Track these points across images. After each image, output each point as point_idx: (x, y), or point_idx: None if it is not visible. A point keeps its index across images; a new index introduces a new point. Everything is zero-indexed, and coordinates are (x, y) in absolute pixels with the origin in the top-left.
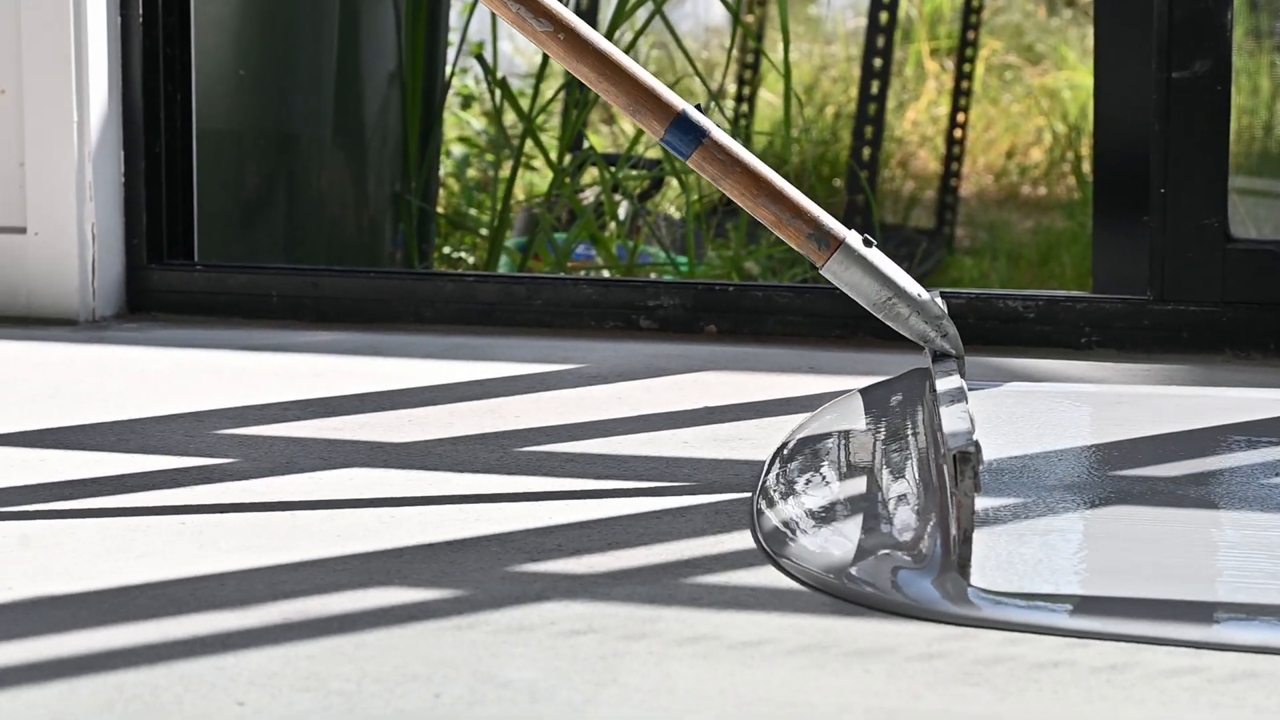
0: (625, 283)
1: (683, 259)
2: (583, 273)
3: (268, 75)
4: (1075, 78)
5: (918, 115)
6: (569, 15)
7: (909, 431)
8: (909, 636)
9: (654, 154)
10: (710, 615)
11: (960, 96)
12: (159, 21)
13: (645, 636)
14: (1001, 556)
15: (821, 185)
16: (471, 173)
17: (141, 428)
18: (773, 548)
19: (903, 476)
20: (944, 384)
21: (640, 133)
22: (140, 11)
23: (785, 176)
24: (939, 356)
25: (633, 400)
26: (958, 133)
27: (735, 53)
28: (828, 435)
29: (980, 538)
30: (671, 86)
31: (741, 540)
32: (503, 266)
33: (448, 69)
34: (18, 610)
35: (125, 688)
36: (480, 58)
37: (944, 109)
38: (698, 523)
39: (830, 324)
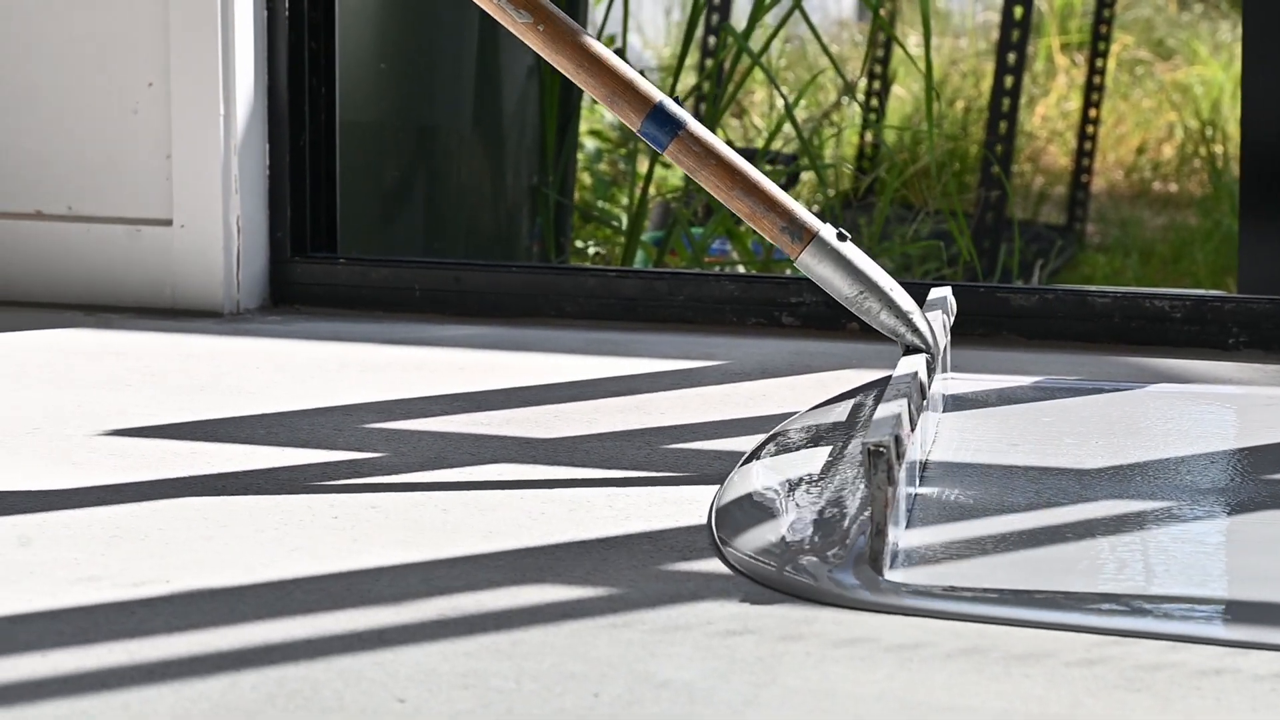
0: (768, 279)
1: None
2: (718, 268)
3: (408, 68)
4: (1207, 73)
5: (1047, 110)
6: (549, 7)
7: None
8: (1067, 642)
9: (791, 148)
10: (865, 617)
11: (1092, 92)
12: (304, 15)
13: (802, 638)
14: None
15: (953, 180)
16: (602, 166)
17: (290, 421)
18: (721, 535)
19: (850, 471)
20: (897, 379)
21: (778, 127)
22: (286, 5)
23: (923, 173)
24: (911, 351)
25: (777, 397)
26: (1089, 128)
27: (866, 46)
28: (802, 430)
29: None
30: (809, 83)
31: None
32: (637, 261)
33: None
34: (177, 603)
35: (286, 682)
36: (621, 53)
37: (1074, 104)
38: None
39: (975, 322)
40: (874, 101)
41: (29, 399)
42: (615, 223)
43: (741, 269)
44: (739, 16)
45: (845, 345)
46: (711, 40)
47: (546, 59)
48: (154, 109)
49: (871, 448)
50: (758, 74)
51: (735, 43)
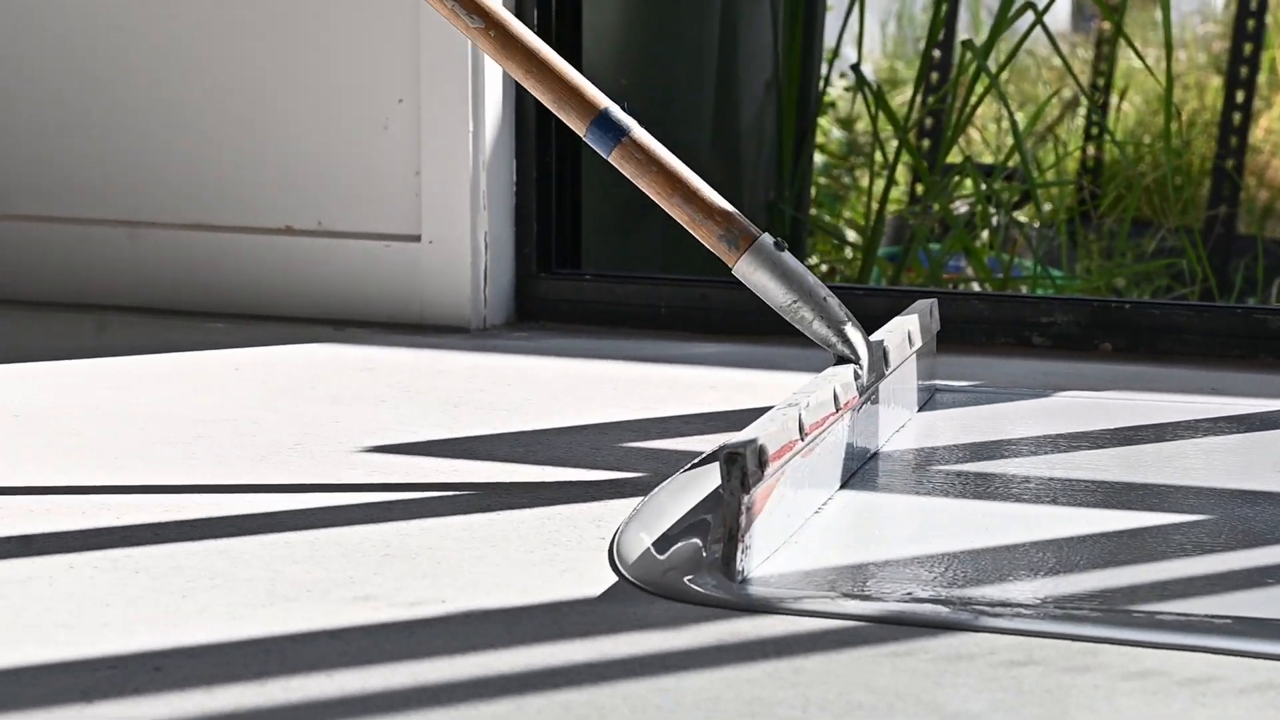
0: (1017, 298)
1: (1058, 272)
2: (952, 285)
3: (649, 83)
4: None
5: (1270, 123)
6: (501, 13)
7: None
8: None
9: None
10: (1149, 651)
11: None
12: (552, 30)
13: (1089, 669)
14: None
15: (1175, 194)
16: (822, 180)
17: (547, 439)
18: (619, 550)
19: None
20: (799, 390)
21: (1011, 151)
22: (535, 20)
23: (1156, 188)
24: (841, 361)
25: (1040, 420)
26: None
27: (1089, 58)
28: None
29: None
30: (1046, 101)
31: (1184, 567)
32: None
33: (821, 77)
34: (454, 624)
35: (571, 706)
36: (856, 68)
37: None
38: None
39: (1231, 343)
40: (1095, 116)
41: (287, 414)
42: (849, 239)
43: (976, 286)
44: (962, 29)
45: (1097, 366)
46: (935, 54)
47: (497, 63)
48: (404, 125)
49: (727, 454)
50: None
51: (974, 59)
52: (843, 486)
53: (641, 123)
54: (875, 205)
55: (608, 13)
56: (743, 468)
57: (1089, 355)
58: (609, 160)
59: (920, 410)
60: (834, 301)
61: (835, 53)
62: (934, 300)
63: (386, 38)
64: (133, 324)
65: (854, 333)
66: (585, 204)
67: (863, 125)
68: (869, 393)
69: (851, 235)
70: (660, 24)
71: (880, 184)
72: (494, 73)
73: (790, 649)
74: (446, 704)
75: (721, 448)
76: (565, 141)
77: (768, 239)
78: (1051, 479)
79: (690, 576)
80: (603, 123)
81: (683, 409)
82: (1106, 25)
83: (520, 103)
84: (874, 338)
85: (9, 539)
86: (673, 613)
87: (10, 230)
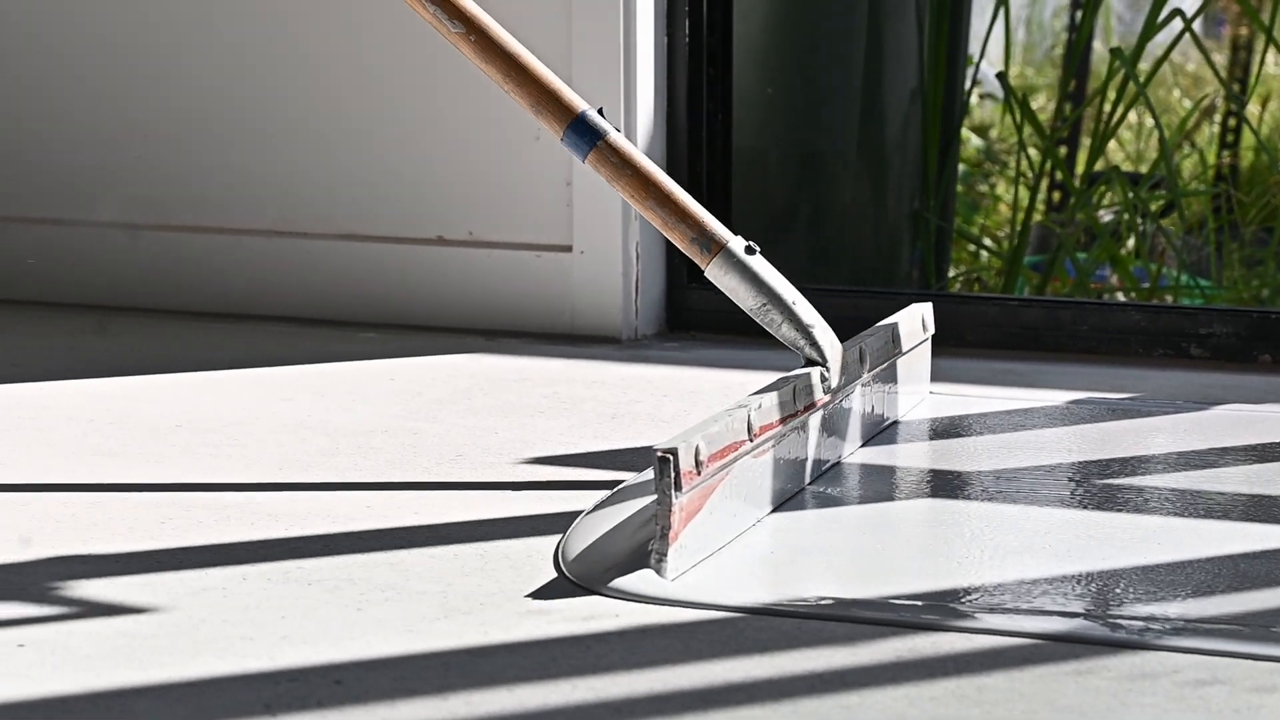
0: (1176, 309)
1: (1206, 282)
2: (1099, 295)
3: (794, 93)
4: None
5: None
6: (482, 18)
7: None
8: None
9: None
10: None
11: None
12: (703, 42)
13: (1276, 689)
14: None
15: None
16: (958, 188)
17: None
18: (564, 552)
19: None
20: (760, 389)
21: (1159, 160)
22: (686, 32)
23: None
24: (810, 363)
25: (1199, 433)
26: None
27: (1223, 63)
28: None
29: None
30: (1192, 110)
31: None
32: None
33: (965, 86)
34: (630, 637)
35: None
36: (1002, 76)
37: None
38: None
39: None
40: (1231, 122)
41: (446, 425)
42: (993, 247)
43: (1121, 296)
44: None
45: (1257, 379)
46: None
47: (478, 67)
48: (555, 136)
49: (660, 454)
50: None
51: (1122, 66)
52: (937, 496)
53: (786, 136)
54: (1020, 214)
55: (754, 24)
56: (675, 468)
57: (1248, 367)
58: (585, 164)
59: (907, 414)
60: (803, 305)
61: (978, 60)
62: (927, 305)
63: (538, 49)
64: (286, 334)
65: (823, 336)
66: (732, 214)
67: (996, 133)
68: (841, 395)
69: (987, 243)
70: (806, 33)
71: (1021, 192)
72: (646, 82)
73: (971, 667)
74: (628, 718)
75: (654, 448)
76: (716, 152)
77: (738, 243)
78: (1194, 491)
79: (622, 575)
80: (579, 126)
81: None
82: (1242, 30)
83: (672, 113)
84: (851, 341)
85: (182, 550)
86: (848, 630)
87: (164, 241)
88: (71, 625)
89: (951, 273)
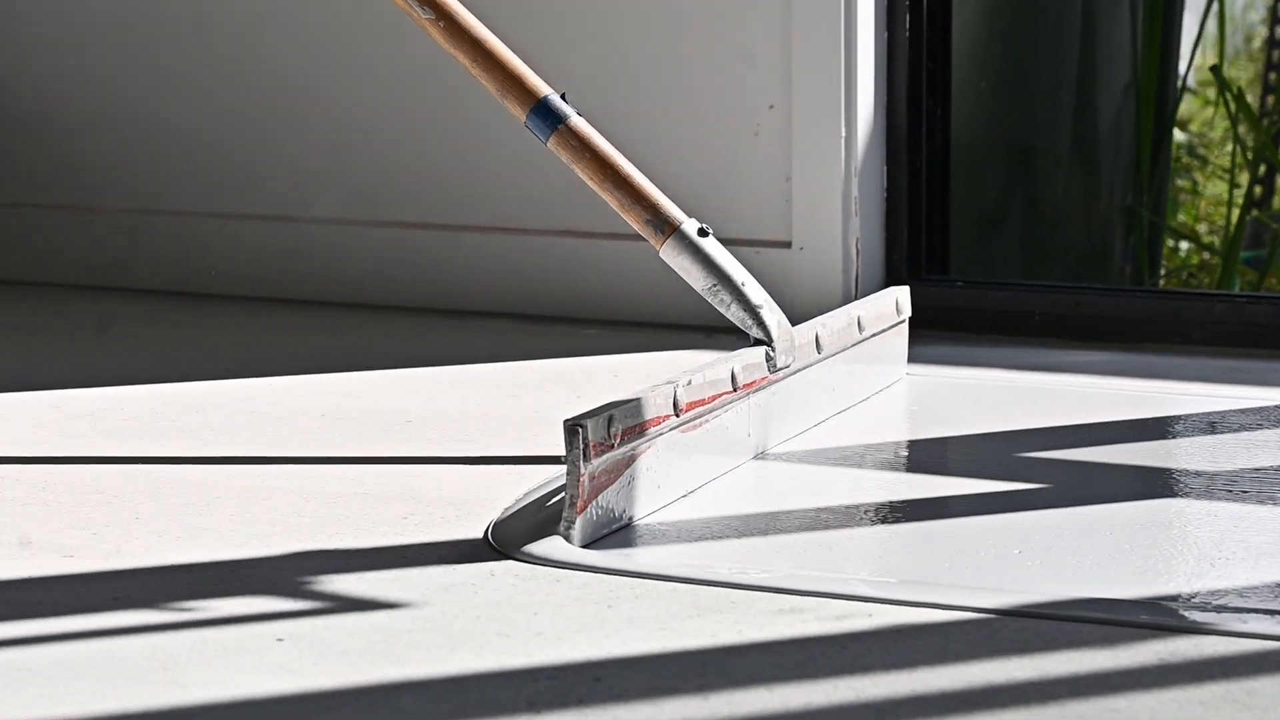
0: None
1: None
2: None
3: (1009, 87)
4: None
5: None
6: (450, 4)
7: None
8: None
9: None
10: None
11: None
12: (923, 36)
13: None
14: None
15: None
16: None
17: (961, 446)
18: (497, 520)
19: None
20: (696, 367)
21: None
22: (906, 26)
23: None
24: (758, 342)
25: None
26: None
27: None
28: None
29: None
30: None
31: None
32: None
33: (1179, 80)
34: (884, 637)
35: None
36: (1216, 69)
37: None
38: None
39: None
40: None
41: None
42: (1209, 244)
43: None
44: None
45: None
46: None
47: (447, 52)
48: (775, 131)
49: (570, 425)
50: None
51: None
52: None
53: (1000, 130)
54: (1235, 210)
55: (970, 17)
56: (585, 439)
57: None
58: (547, 146)
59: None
60: (753, 286)
61: (1193, 54)
62: (904, 288)
63: (758, 44)
64: (508, 330)
65: (770, 317)
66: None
67: (1195, 126)
68: (789, 374)
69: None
70: (1019, 25)
71: (1230, 187)
72: (866, 77)
73: (1238, 670)
74: (891, 719)
75: (565, 420)
76: (935, 147)
77: (691, 225)
78: None
79: (532, 542)
80: (541, 110)
81: (1068, 419)
82: None
83: (891, 108)
84: (807, 324)
85: (427, 545)
86: (1106, 632)
87: (382, 237)
88: (326, 620)
89: (1166, 270)
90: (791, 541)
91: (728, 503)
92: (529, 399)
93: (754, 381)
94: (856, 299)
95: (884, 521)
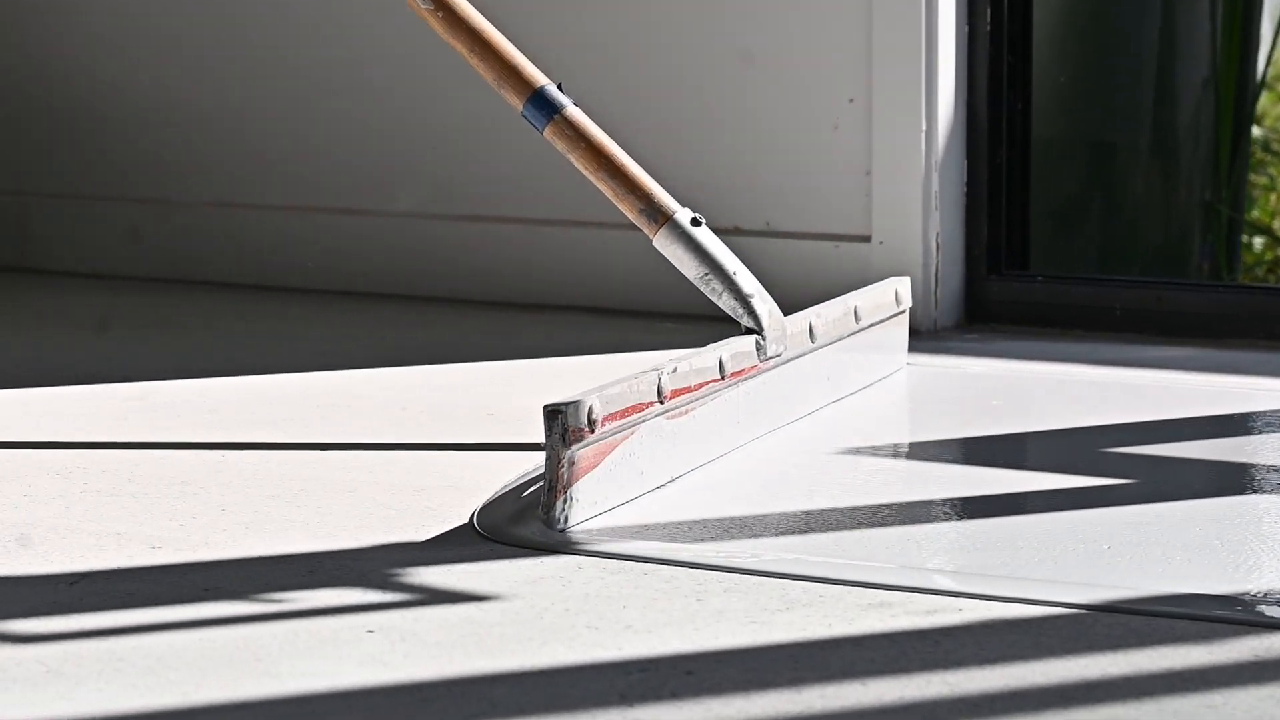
0: None
1: None
2: None
3: (1087, 82)
4: None
5: None
6: None
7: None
8: None
9: None
10: None
11: None
12: (1004, 29)
13: None
14: None
15: None
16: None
17: (1038, 441)
18: (484, 511)
19: None
20: (682, 354)
21: None
22: (988, 20)
23: None
24: (749, 331)
25: None
26: None
27: None
28: None
29: None
30: None
31: None
32: None
33: (1258, 75)
34: (976, 631)
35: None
36: None
37: None
38: None
39: None
40: None
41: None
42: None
43: None
44: None
45: None
46: None
47: (445, 41)
48: (854, 125)
49: (548, 410)
50: None
51: None
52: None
53: (1078, 125)
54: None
55: (1048, 10)
56: (564, 424)
57: None
58: (543, 136)
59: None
60: (744, 275)
61: (1271, 49)
62: (904, 279)
63: (838, 38)
64: (585, 323)
65: (761, 306)
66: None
67: (1268, 121)
68: (780, 362)
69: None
70: (1100, 21)
71: None
72: (947, 71)
73: None
74: (988, 715)
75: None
76: (1015, 142)
77: (684, 215)
78: None
79: (516, 524)
80: (538, 100)
81: (1150, 414)
82: None
83: (972, 102)
84: (801, 313)
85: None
86: (1200, 629)
87: (460, 232)
88: (416, 612)
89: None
90: (875, 536)
91: (793, 494)
92: None
93: (744, 370)
94: (936, 294)
95: (967, 516)
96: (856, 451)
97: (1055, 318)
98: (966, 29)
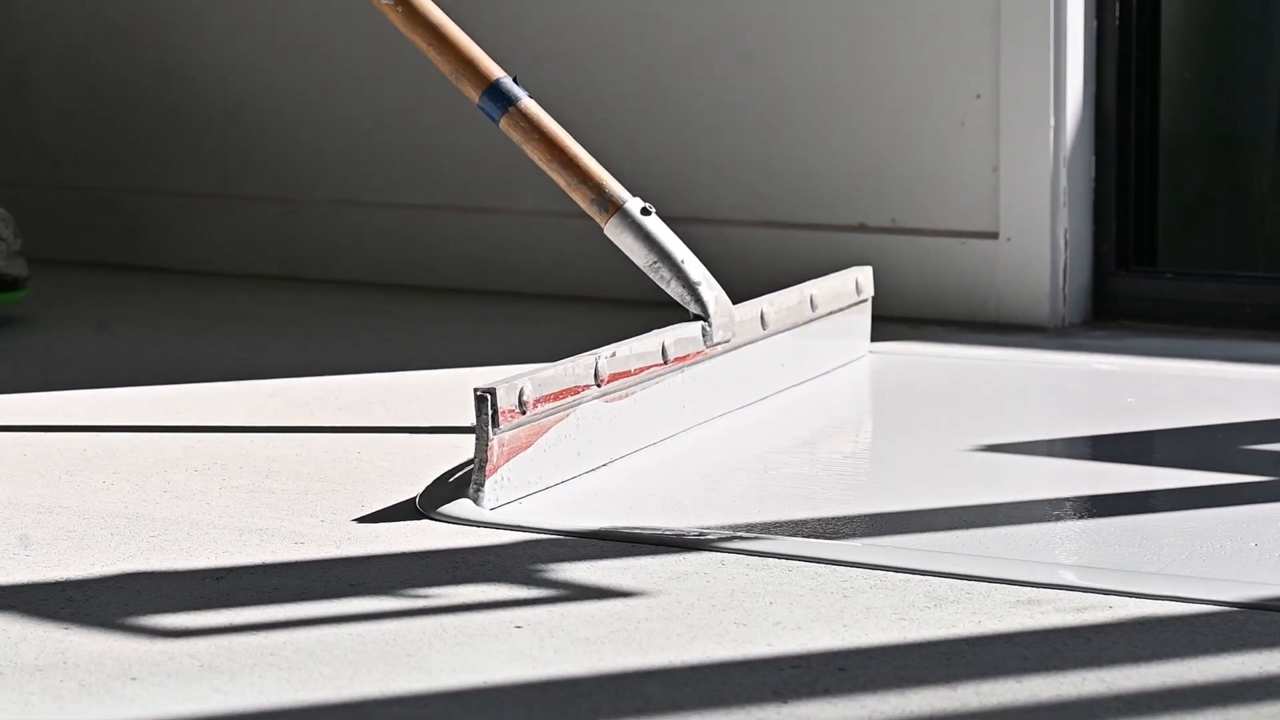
0: None
1: None
2: None
3: (1214, 76)
4: None
5: None
6: None
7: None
8: None
9: None
10: None
11: None
12: (1132, 24)
13: None
14: None
15: None
16: None
17: (1183, 438)
18: (427, 493)
19: None
20: (626, 340)
21: None
22: (1116, 14)
23: None
24: (697, 318)
25: None
26: None
27: None
28: None
29: None
30: None
31: None
32: None
33: None
34: (1127, 629)
35: None
36: None
37: None
38: None
39: None
40: None
41: (890, 412)
42: None
43: None
44: None
45: None
46: None
47: (405, 36)
48: (981, 121)
49: (478, 394)
50: None
51: None
52: None
53: (1203, 121)
54: None
55: (1176, 5)
56: (493, 406)
57: None
58: (499, 127)
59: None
60: (692, 264)
61: None
62: (865, 268)
63: (965, 34)
64: None
65: (708, 293)
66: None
67: None
68: (729, 348)
69: None
70: (1225, 15)
71: None
72: (1075, 66)
73: None
74: (1146, 713)
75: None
76: (1143, 137)
77: (635, 204)
78: None
79: (447, 503)
80: (493, 93)
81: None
82: None
83: (1100, 97)
84: (753, 300)
85: (654, 532)
86: None
87: (579, 229)
88: (563, 608)
89: None
90: (1015, 533)
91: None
92: None
93: (688, 355)
94: (1064, 290)
95: (1104, 514)
96: (991, 449)
97: (1183, 314)
98: (1095, 24)
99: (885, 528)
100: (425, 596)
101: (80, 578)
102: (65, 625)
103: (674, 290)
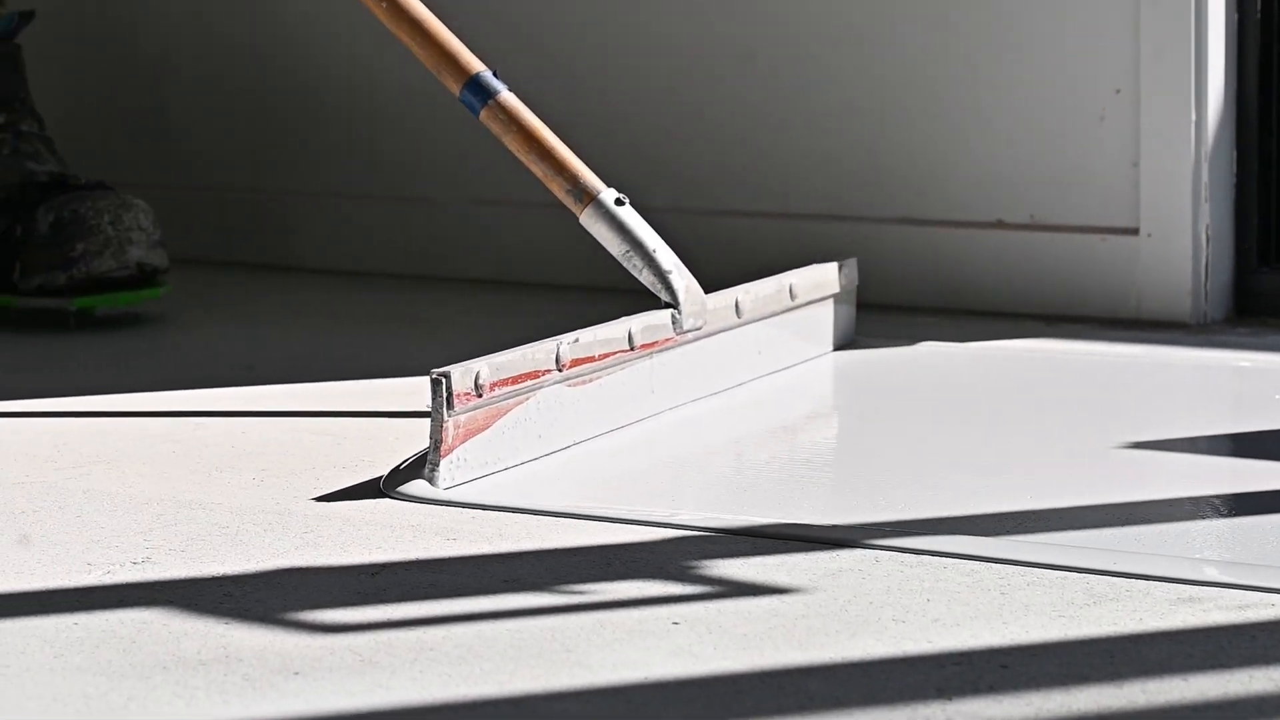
0: None
1: None
2: None
3: None
4: None
5: None
6: None
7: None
8: None
9: None
10: None
11: None
12: (1274, 17)
13: None
14: None
15: None
16: None
17: None
18: (393, 475)
19: None
20: (591, 327)
21: None
22: (1258, 7)
23: None
24: (667, 305)
25: None
26: None
27: None
28: None
29: None
30: None
31: None
32: None
33: None
34: (1276, 630)
35: None
36: None
37: None
38: None
39: None
40: None
41: (1044, 409)
42: None
43: None
44: None
45: None
46: None
47: (389, 30)
48: (1121, 116)
49: (434, 377)
50: None
51: None
52: None
53: None
54: None
55: None
56: (449, 388)
57: None
58: (479, 119)
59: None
60: (664, 252)
61: None
62: (850, 260)
63: (1104, 28)
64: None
65: (679, 281)
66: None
67: None
68: (701, 336)
69: None
70: None
71: None
72: (1216, 60)
73: None
74: None
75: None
76: None
77: (609, 195)
78: None
79: (405, 482)
80: (474, 86)
81: None
82: None
83: (1241, 91)
84: (729, 289)
85: (808, 526)
86: None
87: (708, 226)
88: (718, 604)
89: None
90: (1166, 531)
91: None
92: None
93: (657, 342)
94: (1206, 287)
95: (1253, 512)
96: (1134, 446)
97: None
98: (1236, 16)
99: (1033, 525)
100: (580, 593)
101: (237, 573)
102: (225, 620)
103: (645, 278)
